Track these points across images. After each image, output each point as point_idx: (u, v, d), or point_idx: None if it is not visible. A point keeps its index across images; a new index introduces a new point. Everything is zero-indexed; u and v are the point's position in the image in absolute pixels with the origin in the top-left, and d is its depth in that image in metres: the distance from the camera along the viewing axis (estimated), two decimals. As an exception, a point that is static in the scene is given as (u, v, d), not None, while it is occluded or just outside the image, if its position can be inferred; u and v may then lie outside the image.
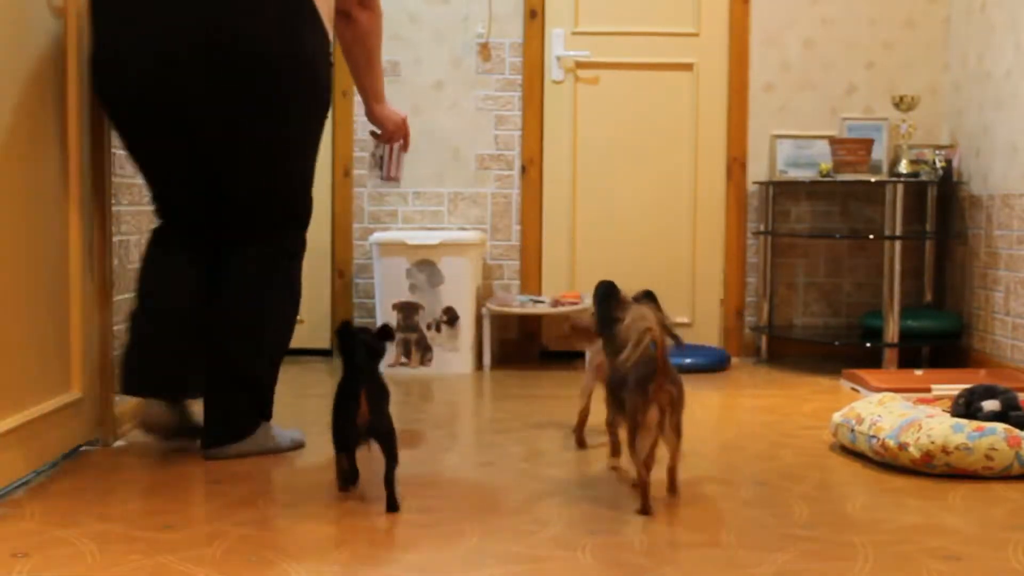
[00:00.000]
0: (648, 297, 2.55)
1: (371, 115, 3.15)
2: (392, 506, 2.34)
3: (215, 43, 2.58)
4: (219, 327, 2.80)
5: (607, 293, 2.81)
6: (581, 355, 4.40)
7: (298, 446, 2.94)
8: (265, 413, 2.90)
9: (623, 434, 2.49)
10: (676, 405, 2.36)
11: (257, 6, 2.61)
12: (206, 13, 2.58)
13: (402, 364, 4.26)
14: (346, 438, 2.44)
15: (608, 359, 2.61)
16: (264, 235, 2.81)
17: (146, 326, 2.82)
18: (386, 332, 2.48)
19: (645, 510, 2.34)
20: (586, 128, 4.74)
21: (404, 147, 3.25)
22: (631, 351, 2.31)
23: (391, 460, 2.35)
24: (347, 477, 2.51)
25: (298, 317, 2.99)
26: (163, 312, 2.82)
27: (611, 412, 2.69)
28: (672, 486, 2.50)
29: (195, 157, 2.72)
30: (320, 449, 2.93)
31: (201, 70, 2.59)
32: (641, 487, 2.35)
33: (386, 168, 3.26)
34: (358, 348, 2.41)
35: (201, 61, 2.58)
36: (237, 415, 2.82)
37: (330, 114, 3.96)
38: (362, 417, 2.36)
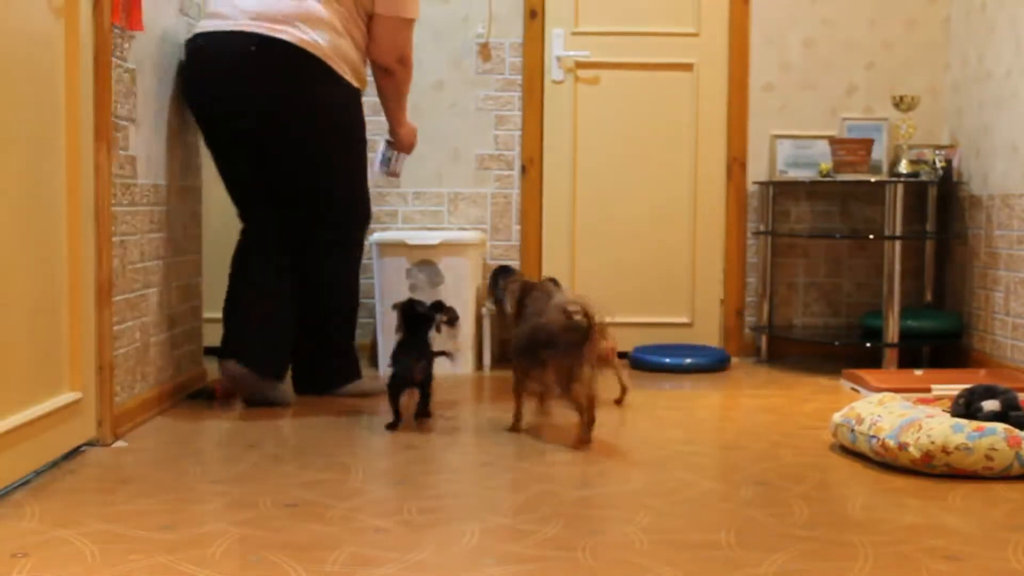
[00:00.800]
0: (553, 282, 3.35)
1: (393, 135, 3.90)
2: (425, 413, 3.34)
3: (257, 103, 3.45)
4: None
5: (500, 272, 3.55)
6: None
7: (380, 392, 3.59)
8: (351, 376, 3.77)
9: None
10: (602, 362, 3.04)
11: (279, 73, 3.43)
12: (254, 83, 3.45)
13: (402, 364, 4.26)
14: (399, 388, 3.25)
15: (513, 326, 3.27)
16: (318, 237, 3.66)
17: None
18: (437, 306, 3.39)
19: (585, 441, 2.96)
20: (586, 128, 4.74)
21: (408, 151, 3.96)
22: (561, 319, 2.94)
23: (427, 399, 3.35)
24: (397, 421, 3.24)
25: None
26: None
27: (522, 375, 3.13)
28: (586, 437, 2.97)
29: (267, 180, 3.60)
30: (320, 450, 2.93)
31: (254, 124, 3.49)
32: (582, 421, 2.96)
33: (392, 167, 3.94)
34: (414, 316, 3.32)
35: (255, 117, 3.48)
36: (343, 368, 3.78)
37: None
38: (417, 374, 3.27)
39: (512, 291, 3.31)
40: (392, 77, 3.71)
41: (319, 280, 3.66)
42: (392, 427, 3.23)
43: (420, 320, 3.32)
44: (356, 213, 3.73)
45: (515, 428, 3.20)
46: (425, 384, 3.32)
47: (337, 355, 3.76)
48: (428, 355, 3.33)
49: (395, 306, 4.20)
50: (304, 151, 3.52)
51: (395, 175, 3.99)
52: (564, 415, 3.11)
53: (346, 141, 3.63)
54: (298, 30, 3.41)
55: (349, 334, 3.78)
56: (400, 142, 3.89)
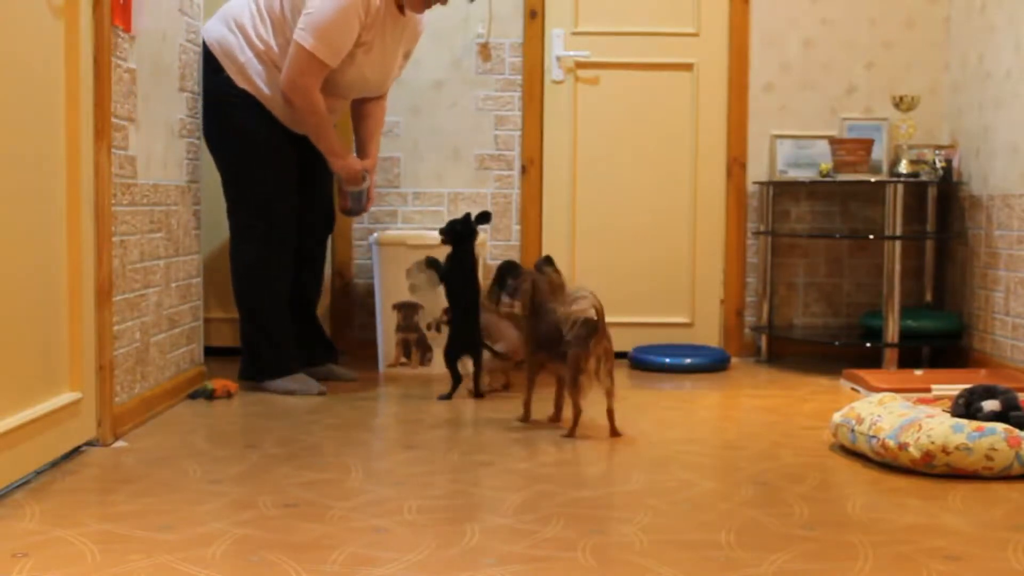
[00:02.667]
0: (547, 262, 3.36)
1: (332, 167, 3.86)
2: (478, 394, 3.72)
3: None
4: None
5: (508, 270, 3.63)
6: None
7: (298, 391, 3.75)
8: (251, 372, 3.86)
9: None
10: (609, 355, 3.07)
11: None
12: None
13: (402, 364, 4.26)
14: (456, 354, 3.70)
15: (526, 322, 3.33)
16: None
17: None
18: (484, 216, 3.80)
19: (572, 434, 3.09)
20: (586, 128, 4.74)
21: (349, 184, 3.87)
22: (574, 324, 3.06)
23: (479, 368, 3.74)
24: (454, 388, 3.69)
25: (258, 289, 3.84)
26: None
27: (535, 368, 3.33)
28: (613, 429, 3.12)
29: None
30: (320, 450, 2.93)
31: None
32: (576, 416, 3.08)
33: (342, 201, 3.95)
34: (461, 230, 3.75)
35: None
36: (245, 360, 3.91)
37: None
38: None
39: (525, 291, 3.33)
40: (291, 106, 3.68)
41: None
42: (447, 396, 3.66)
43: (464, 236, 3.75)
44: (234, 210, 3.83)
45: (526, 418, 3.31)
46: (477, 352, 3.71)
47: (244, 346, 3.89)
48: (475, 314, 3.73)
49: (395, 306, 4.22)
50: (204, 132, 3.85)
51: (347, 212, 3.96)
52: (582, 410, 3.12)
53: (223, 135, 3.78)
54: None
55: (251, 330, 3.84)
56: (336, 174, 3.86)
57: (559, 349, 3.11)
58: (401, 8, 3.70)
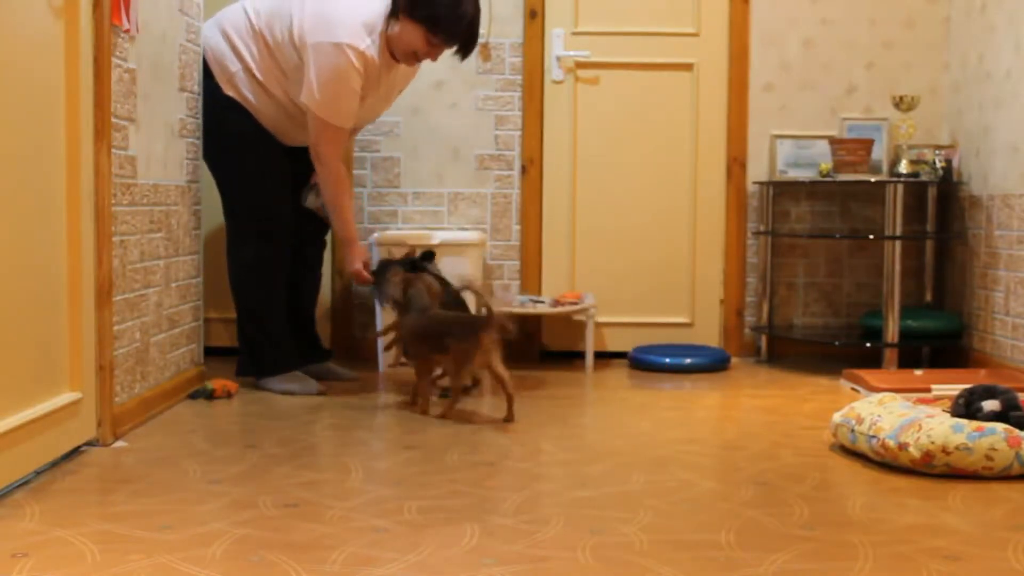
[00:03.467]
0: (428, 257, 3.73)
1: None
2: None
3: None
4: None
5: (386, 265, 3.71)
6: (581, 355, 4.39)
7: (298, 392, 3.76)
8: (250, 370, 3.90)
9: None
10: (498, 347, 3.26)
11: None
12: None
13: (402, 364, 4.25)
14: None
15: (399, 315, 3.54)
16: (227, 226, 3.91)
17: None
18: (427, 256, 3.80)
19: (447, 415, 3.32)
20: (586, 128, 4.74)
21: (348, 270, 3.83)
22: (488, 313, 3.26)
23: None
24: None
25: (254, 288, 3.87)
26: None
27: (419, 358, 3.47)
28: (511, 414, 3.30)
29: None
30: (320, 450, 2.93)
31: None
32: (455, 396, 3.35)
33: (309, 201, 3.91)
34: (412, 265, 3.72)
35: None
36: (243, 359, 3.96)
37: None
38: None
39: (396, 284, 3.51)
40: (316, 169, 3.71)
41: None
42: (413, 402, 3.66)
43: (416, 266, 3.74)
44: (232, 212, 3.85)
45: (412, 404, 3.54)
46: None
47: (243, 345, 3.91)
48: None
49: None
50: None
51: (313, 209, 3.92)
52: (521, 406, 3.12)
53: (215, 141, 3.80)
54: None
55: (251, 329, 3.86)
56: (340, 250, 3.90)
57: (442, 343, 3.31)
58: (395, 56, 3.70)
